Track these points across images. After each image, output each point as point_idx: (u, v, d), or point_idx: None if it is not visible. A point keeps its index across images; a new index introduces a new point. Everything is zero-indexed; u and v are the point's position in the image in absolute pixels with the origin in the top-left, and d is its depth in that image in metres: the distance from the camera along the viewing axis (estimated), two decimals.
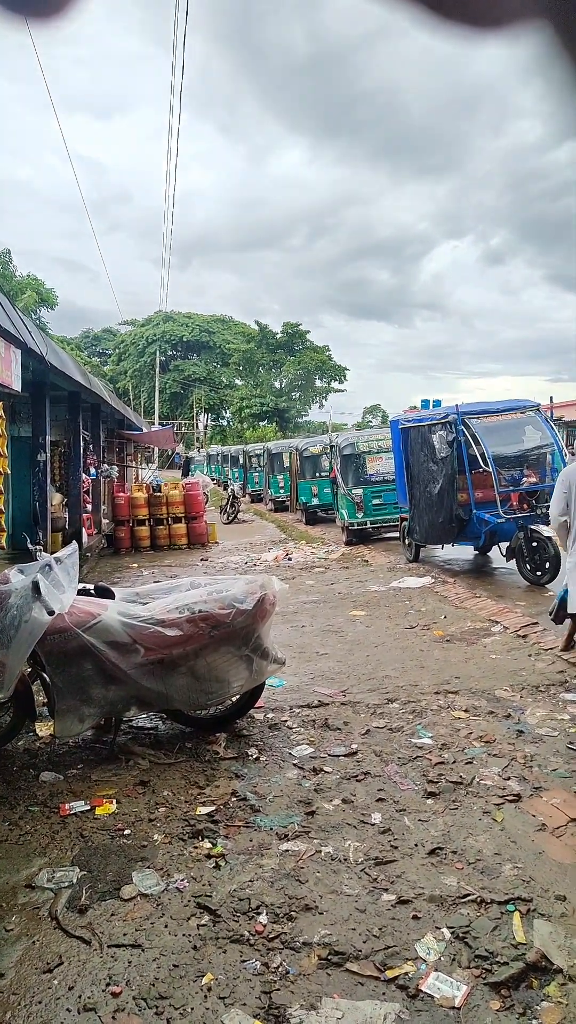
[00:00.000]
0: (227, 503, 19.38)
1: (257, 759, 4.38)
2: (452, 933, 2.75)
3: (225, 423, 67.83)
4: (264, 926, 2.82)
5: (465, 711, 5.03)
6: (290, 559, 12.09)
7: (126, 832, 3.54)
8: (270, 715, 5.09)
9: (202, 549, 14.23)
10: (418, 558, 10.60)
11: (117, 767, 4.28)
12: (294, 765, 4.28)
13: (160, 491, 14.48)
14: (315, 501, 16.73)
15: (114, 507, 14.34)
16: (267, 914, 2.89)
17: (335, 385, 62.23)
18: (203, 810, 3.77)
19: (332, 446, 13.92)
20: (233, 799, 3.88)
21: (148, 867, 3.25)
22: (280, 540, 15.16)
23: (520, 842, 3.38)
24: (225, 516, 19.25)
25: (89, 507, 15.99)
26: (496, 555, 9.58)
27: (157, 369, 59.06)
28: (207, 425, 68.79)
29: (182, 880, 3.13)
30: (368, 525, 12.77)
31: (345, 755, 4.40)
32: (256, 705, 5.14)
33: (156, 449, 50.36)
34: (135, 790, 4.00)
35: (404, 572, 10.02)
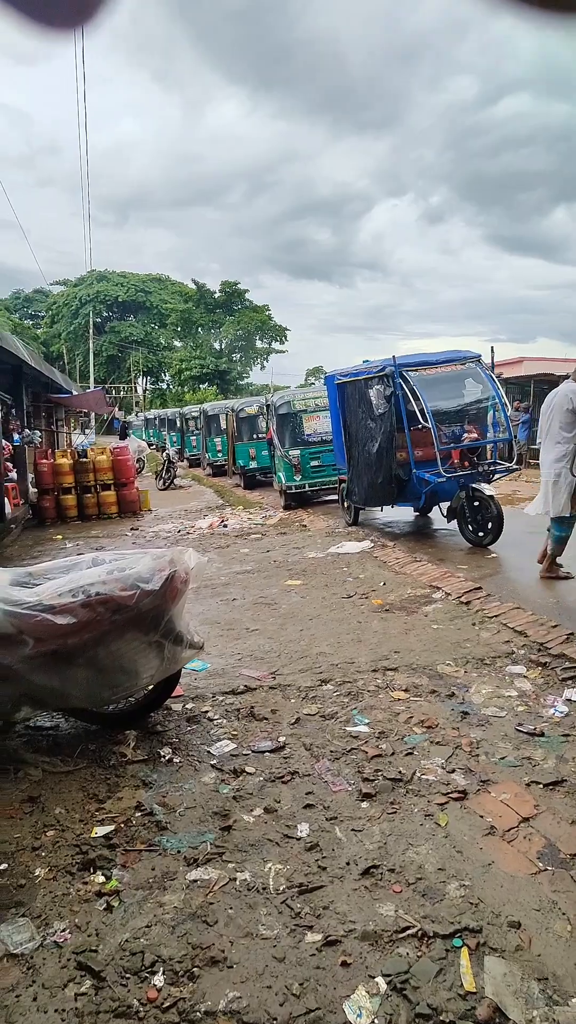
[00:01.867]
0: (162, 468, 18.56)
1: (170, 761, 3.81)
2: (388, 983, 2.26)
3: (165, 387, 66.08)
4: (158, 991, 2.28)
5: (405, 691, 4.56)
6: (225, 526, 11.47)
7: (1, 867, 2.94)
8: (189, 705, 4.52)
9: (134, 518, 13.47)
10: (357, 521, 10.13)
11: (2, 780, 3.65)
12: (212, 766, 3.74)
13: (86, 457, 13.58)
14: (253, 464, 16.08)
15: (37, 475, 13.39)
16: (164, 973, 2.35)
17: (276, 346, 61.17)
18: (100, 831, 3.19)
19: (268, 406, 13.25)
20: (137, 814, 3.31)
21: (23, 915, 2.66)
22: (217, 506, 14.51)
23: (467, 851, 2.92)
24: (161, 482, 18.45)
25: (13, 475, 15.00)
26: (437, 516, 9.17)
27: (91, 331, 56.80)
28: (146, 389, 66.91)
29: (63, 931, 2.56)
30: (307, 488, 12.23)
31: (271, 751, 3.87)
32: (173, 694, 4.57)
33: (92, 414, 48.72)
34: (20, 809, 3.39)
35: (343, 537, 9.53)
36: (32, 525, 13.57)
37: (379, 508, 9.82)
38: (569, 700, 4.28)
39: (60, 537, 11.71)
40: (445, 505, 8.27)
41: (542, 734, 3.87)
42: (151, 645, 3.94)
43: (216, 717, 4.34)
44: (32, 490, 14.64)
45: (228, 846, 3.03)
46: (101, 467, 13.37)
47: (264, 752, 3.86)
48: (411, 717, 4.19)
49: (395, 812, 3.23)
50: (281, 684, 4.77)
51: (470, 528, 7.94)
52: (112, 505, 13.51)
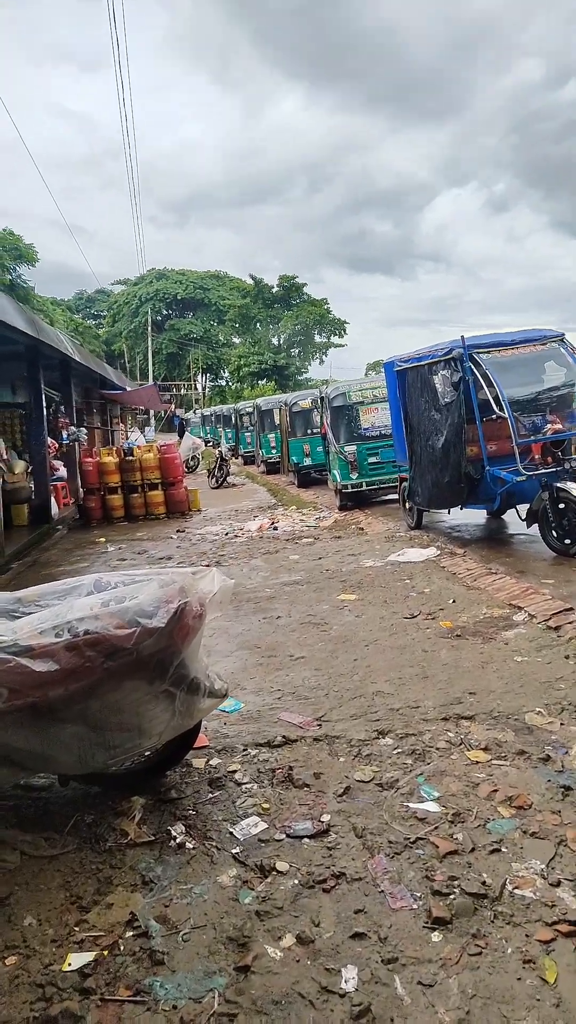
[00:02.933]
0: (215, 466, 17.86)
1: (182, 846, 2.96)
2: None
3: (224, 383, 65.88)
4: None
5: (485, 750, 3.59)
6: (276, 528, 10.61)
7: None
8: (214, 761, 3.67)
9: (181, 518, 12.77)
10: (421, 524, 9.11)
11: None
12: (234, 857, 2.87)
13: (133, 455, 12.95)
14: (307, 461, 15.18)
15: (83, 474, 12.85)
16: None
17: (335, 340, 60.02)
18: (76, 960, 2.37)
19: (322, 398, 12.33)
20: (128, 934, 2.48)
21: None
22: (269, 506, 13.67)
23: None
24: (213, 480, 17.76)
25: (61, 473, 14.55)
26: (513, 518, 8.07)
27: (149, 328, 56.98)
28: (205, 386, 66.88)
29: None
30: (364, 487, 11.25)
31: (311, 836, 2.98)
32: (196, 745, 3.74)
33: (152, 412, 48.76)
34: None
35: (405, 542, 8.53)
36: (78, 526, 13.04)
37: (446, 511, 8.78)
38: None
39: (103, 540, 11.09)
40: (523, 507, 7.18)
41: None
42: (158, 696, 3.10)
43: (245, 780, 3.47)
44: (83, 490, 14.15)
45: (242, 1002, 2.16)
46: (148, 466, 12.72)
47: (302, 838, 2.97)
48: (494, 790, 3.22)
49: (480, 953, 2.29)
50: (328, 735, 3.87)
51: (554, 534, 6.84)
52: (160, 505, 12.85)
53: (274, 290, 57.88)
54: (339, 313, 64.22)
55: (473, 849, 2.81)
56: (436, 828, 2.96)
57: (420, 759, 3.56)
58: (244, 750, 3.77)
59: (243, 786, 3.42)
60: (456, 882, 2.62)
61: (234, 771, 3.55)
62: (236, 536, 10.48)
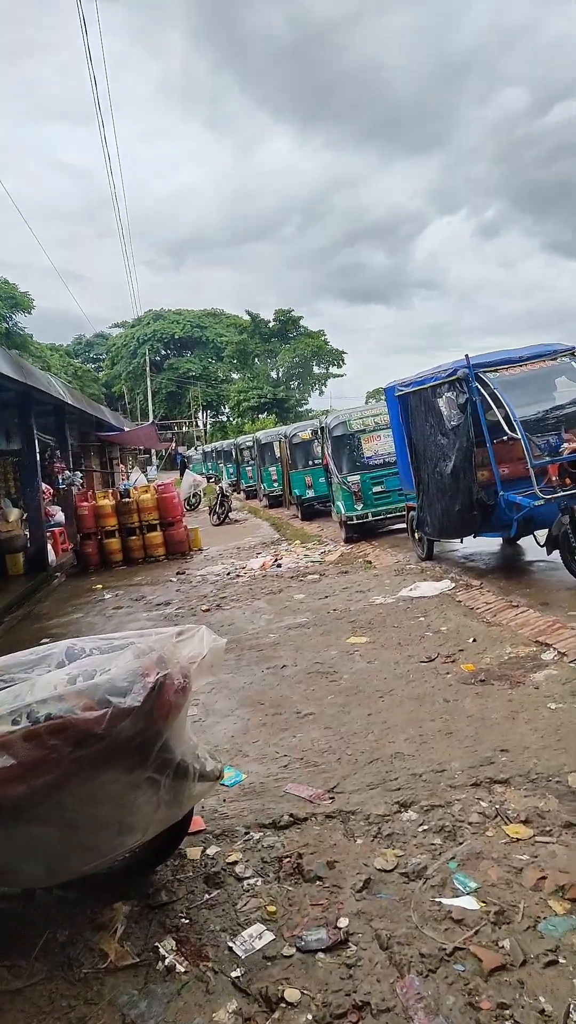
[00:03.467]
0: (216, 503, 17.46)
1: (171, 970, 2.47)
2: None
3: (225, 419, 65.98)
4: None
5: (525, 823, 3.08)
6: (279, 566, 10.15)
7: None
8: (211, 850, 3.17)
9: (182, 559, 12.32)
10: (432, 555, 8.63)
11: None
12: (234, 984, 2.37)
13: (129, 496, 12.56)
14: (310, 493, 14.75)
15: (78, 518, 12.45)
16: None
17: (334, 371, 60.21)
18: None
19: (321, 428, 11.95)
20: None
21: None
22: (273, 541, 13.22)
23: None
24: (215, 517, 17.34)
25: (59, 519, 14.18)
26: (531, 543, 7.59)
27: (147, 368, 57.28)
28: (205, 423, 66.99)
29: None
30: (370, 517, 10.79)
31: (327, 948, 2.48)
32: (192, 829, 3.25)
33: (153, 451, 48.70)
34: None
35: (416, 575, 8.05)
36: (76, 572, 12.61)
37: (458, 540, 8.31)
38: None
39: (100, 587, 10.63)
40: (542, 533, 6.71)
41: None
42: (140, 786, 2.62)
43: (247, 874, 2.96)
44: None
45: None
46: (145, 507, 12.32)
47: (316, 951, 2.47)
48: (542, 877, 2.71)
49: None
50: (342, 810, 3.37)
51: None
52: (159, 547, 12.41)
53: (271, 324, 58.25)
54: (337, 344, 64.38)
55: (525, 962, 2.30)
56: (476, 932, 2.46)
57: (450, 837, 3.06)
58: (246, 833, 3.27)
59: (245, 882, 2.92)
60: (508, 1011, 2.11)
61: (234, 862, 3.05)
62: (238, 576, 10.01)
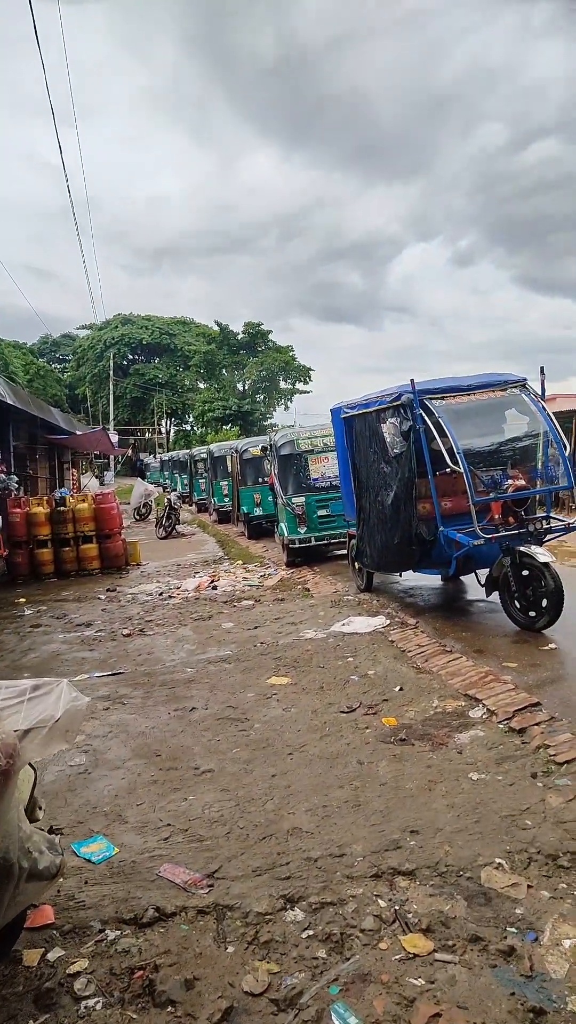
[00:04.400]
0: (164, 515, 16.86)
1: None
2: None
3: (189, 428, 65.27)
4: None
5: (426, 932, 2.62)
6: (215, 588, 9.62)
7: None
8: (53, 954, 2.63)
9: (117, 574, 11.70)
10: (371, 587, 8.21)
11: None
12: None
13: (65, 505, 11.91)
14: (258, 511, 14.27)
15: (9, 526, 11.75)
16: None
17: (300, 387, 60.03)
18: None
19: (269, 446, 11.50)
20: None
21: None
22: (215, 560, 12.69)
23: None
24: (161, 530, 16.73)
25: None
26: (473, 580, 7.22)
27: (111, 372, 56.26)
28: (168, 430, 66.17)
29: None
30: (313, 542, 10.34)
31: None
32: (37, 924, 2.72)
33: (111, 457, 47.73)
34: None
35: (352, 607, 7.61)
36: (4, 582, 11.88)
37: (397, 573, 7.91)
38: None
39: (23, 600, 9.95)
40: (484, 572, 6.33)
41: None
42: None
43: (88, 992, 2.44)
44: None
45: None
46: (81, 517, 11.68)
47: None
48: (436, 1014, 2.25)
49: None
50: (219, 903, 2.86)
51: (517, 605, 5.99)
52: (93, 560, 11.77)
53: (240, 337, 57.91)
54: (307, 361, 64.33)
55: None
56: None
57: (337, 949, 2.58)
58: (100, 932, 2.74)
59: (82, 1003, 2.39)
60: None
61: (76, 974, 2.52)
62: (171, 596, 9.46)
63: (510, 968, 2.42)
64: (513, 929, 2.59)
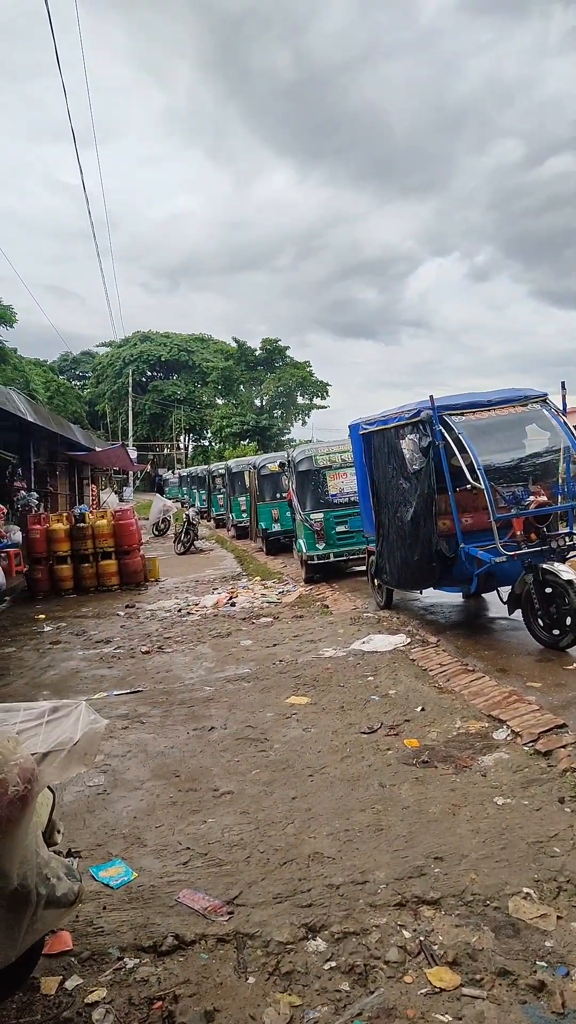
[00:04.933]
0: (182, 531, 16.89)
1: None
2: None
3: (207, 443, 65.59)
4: None
5: (452, 965, 2.54)
6: (233, 604, 9.59)
7: None
8: (71, 982, 2.59)
9: (136, 590, 11.71)
10: (391, 604, 8.14)
11: None
12: None
13: (84, 521, 11.97)
14: (276, 527, 14.25)
15: (30, 542, 11.82)
16: None
17: (318, 402, 60.09)
18: None
19: (288, 461, 11.49)
20: None
21: None
22: (233, 576, 12.66)
23: None
24: (180, 545, 16.76)
25: (16, 538, 13.49)
26: (495, 597, 7.12)
27: (130, 389, 56.82)
28: (186, 446, 66.55)
29: None
30: (331, 558, 10.29)
31: None
32: (54, 949, 2.69)
33: (131, 473, 48.09)
34: None
35: (371, 625, 7.53)
36: (25, 598, 11.94)
37: (417, 591, 7.83)
38: None
39: (43, 617, 9.98)
40: (506, 589, 6.25)
41: None
42: None
43: (106, 1022, 2.39)
44: None
45: None
46: (101, 533, 11.72)
47: None
48: None
49: None
50: (239, 931, 2.80)
51: (541, 624, 5.89)
52: (112, 576, 11.80)
53: (257, 353, 58.21)
54: (325, 376, 64.57)
55: None
56: None
57: (360, 981, 2.51)
58: (119, 960, 2.70)
59: None
60: None
61: (94, 1003, 2.48)
62: (190, 613, 9.44)
63: (540, 1004, 2.34)
64: (543, 963, 2.51)
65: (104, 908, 3.03)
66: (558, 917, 2.74)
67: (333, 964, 2.60)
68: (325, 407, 61.23)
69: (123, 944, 2.78)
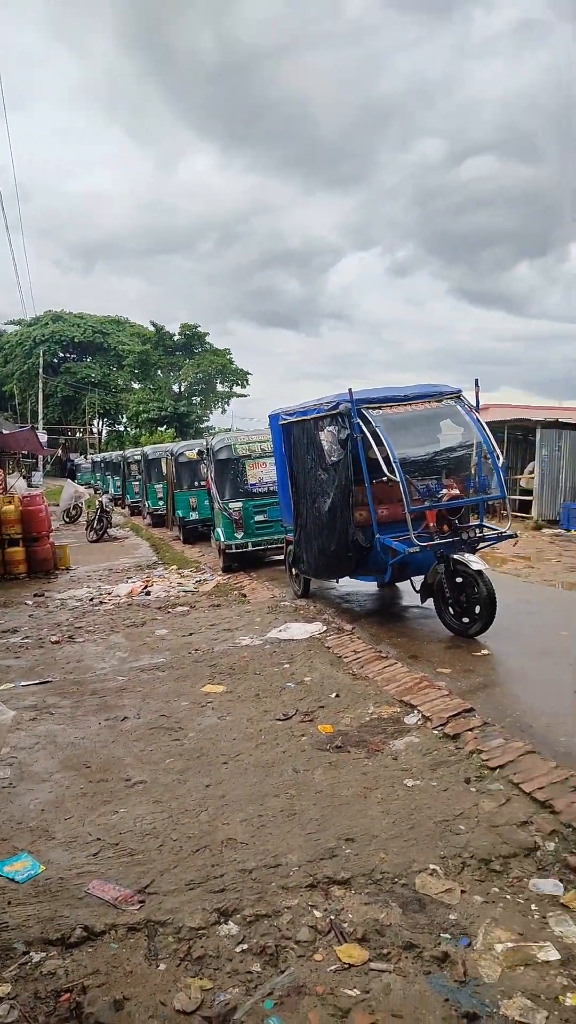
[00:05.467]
0: (95, 518, 16.47)
1: None
2: None
3: (122, 428, 64.14)
4: None
5: (361, 941, 2.61)
6: (148, 593, 9.45)
7: None
8: None
9: (45, 579, 11.34)
10: (308, 593, 8.23)
11: None
12: None
13: None
14: (194, 515, 14.12)
15: None
16: None
17: (238, 390, 59.78)
18: None
19: (207, 449, 11.39)
20: None
21: None
22: (149, 564, 12.47)
23: None
24: (92, 533, 16.34)
25: None
26: (408, 587, 7.33)
27: (40, 370, 54.79)
28: (100, 431, 64.90)
29: None
30: (250, 547, 10.29)
31: None
32: None
33: (40, 457, 46.42)
34: None
35: (289, 614, 7.60)
36: None
37: (334, 580, 7.95)
38: None
39: None
40: (419, 579, 6.43)
41: None
42: None
43: (11, 1020, 2.32)
44: None
45: None
46: (8, 519, 11.27)
47: None
48: (373, 1023, 2.24)
49: None
50: (151, 919, 2.78)
51: (451, 612, 6.10)
52: (20, 563, 11.38)
53: (175, 338, 57.29)
54: (245, 365, 63.89)
55: None
56: None
57: (272, 962, 2.54)
58: (25, 954, 2.62)
59: None
60: None
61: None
62: (102, 602, 9.24)
63: (444, 974, 2.44)
64: (447, 935, 2.61)
65: (9, 903, 2.93)
66: (462, 891, 2.86)
67: (245, 947, 2.62)
68: (245, 396, 61.01)
69: (29, 938, 2.70)
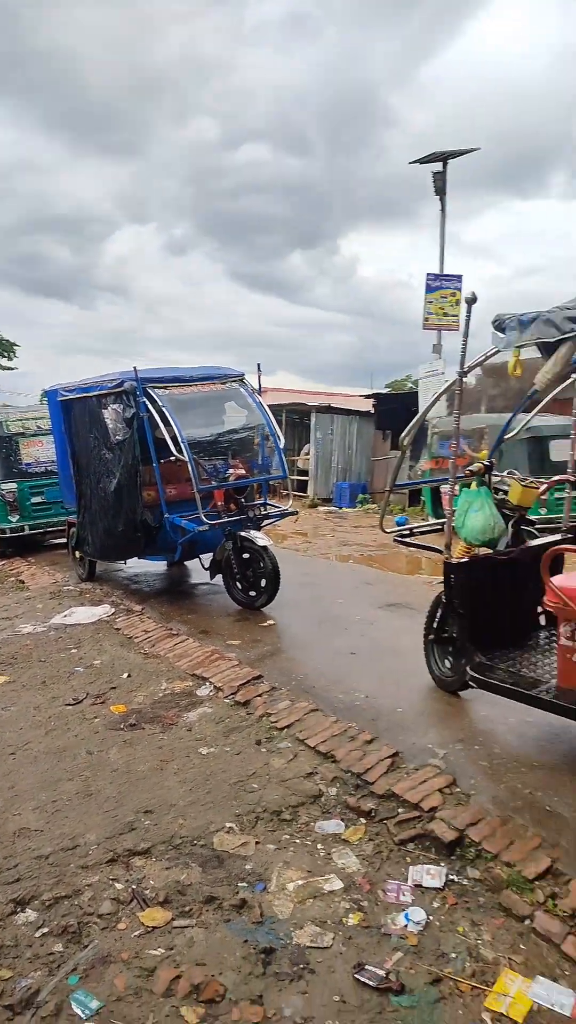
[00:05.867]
0: None
1: None
2: None
3: None
4: None
5: (164, 903, 2.71)
6: None
7: None
8: None
9: None
10: (94, 576, 8.03)
11: None
12: None
13: None
14: None
15: None
16: None
17: (3, 362, 55.45)
18: None
19: None
20: None
21: None
22: None
23: None
24: None
25: None
26: (196, 565, 7.47)
27: None
28: None
29: None
30: (27, 530, 9.76)
31: None
32: None
33: None
34: None
35: (74, 598, 7.37)
36: None
37: (121, 561, 7.85)
38: (419, 886, 2.77)
39: None
40: (207, 557, 6.59)
41: (401, 989, 2.27)
42: None
43: None
44: None
45: None
46: None
47: None
48: (177, 977, 2.35)
49: None
50: None
51: (239, 586, 6.34)
52: None
53: None
54: (11, 335, 59.26)
55: None
56: None
57: (75, 940, 2.54)
58: None
59: None
60: None
61: None
62: None
63: (242, 919, 2.61)
64: (244, 884, 2.80)
65: None
66: (256, 843, 3.07)
67: (45, 930, 2.59)
68: (13, 368, 56.69)
69: None
